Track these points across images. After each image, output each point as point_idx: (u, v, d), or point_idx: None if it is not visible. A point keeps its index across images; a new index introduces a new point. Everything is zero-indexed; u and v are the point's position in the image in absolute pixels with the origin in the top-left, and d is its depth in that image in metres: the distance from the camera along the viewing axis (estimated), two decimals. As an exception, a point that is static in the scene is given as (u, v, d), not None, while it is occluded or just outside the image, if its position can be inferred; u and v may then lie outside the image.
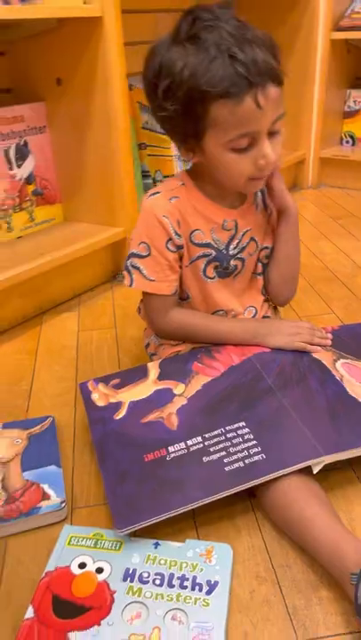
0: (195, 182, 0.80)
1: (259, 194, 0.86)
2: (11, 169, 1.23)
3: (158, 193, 0.80)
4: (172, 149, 1.45)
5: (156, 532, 0.62)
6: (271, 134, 0.72)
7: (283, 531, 0.64)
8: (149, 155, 1.50)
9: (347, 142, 2.01)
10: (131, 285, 0.82)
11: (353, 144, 1.99)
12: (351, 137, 2.00)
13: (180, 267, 0.82)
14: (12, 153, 1.22)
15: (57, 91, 1.22)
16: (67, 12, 1.07)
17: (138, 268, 0.81)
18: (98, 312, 1.20)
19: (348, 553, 0.54)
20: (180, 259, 0.81)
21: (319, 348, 0.83)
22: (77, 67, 1.17)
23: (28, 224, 1.29)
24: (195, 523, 0.65)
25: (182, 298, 0.86)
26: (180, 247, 0.80)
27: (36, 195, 1.29)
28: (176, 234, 0.79)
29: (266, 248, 0.88)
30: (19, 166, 1.24)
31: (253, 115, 0.68)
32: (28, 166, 1.26)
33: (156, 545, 0.60)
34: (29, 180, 1.27)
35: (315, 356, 0.81)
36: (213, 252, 0.82)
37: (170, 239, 0.79)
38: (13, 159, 1.22)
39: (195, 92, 0.67)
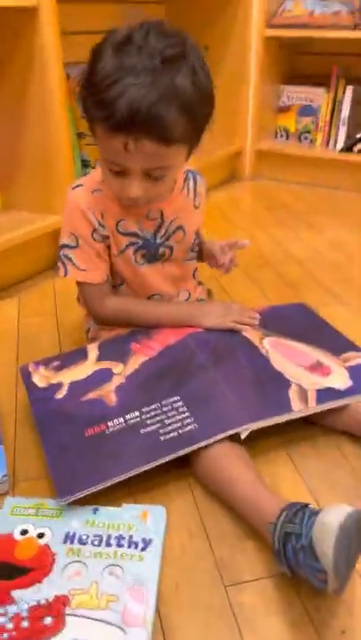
0: None
1: (191, 179, 0.89)
2: None
3: (81, 186, 0.82)
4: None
5: (95, 500, 0.66)
6: (149, 176, 0.71)
7: (213, 493, 0.69)
8: (88, 144, 1.52)
9: (281, 136, 2.09)
10: (66, 275, 0.85)
11: (287, 138, 2.08)
12: (285, 131, 2.08)
13: (110, 255, 0.85)
14: None
15: (-7, 78, 1.22)
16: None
17: (70, 259, 0.84)
18: (38, 299, 1.22)
19: (267, 507, 0.60)
20: (109, 248, 0.84)
21: (248, 327, 0.88)
22: (13, 55, 1.17)
23: (-35, 212, 1.29)
24: (131, 491, 0.69)
25: (116, 284, 0.89)
26: (106, 237, 0.83)
27: (-27, 182, 1.29)
28: (100, 225, 0.81)
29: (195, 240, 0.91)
30: None
31: (121, 153, 0.68)
32: (-35, 154, 1.26)
33: (95, 510, 0.65)
34: (-34, 167, 1.27)
35: (244, 334, 0.87)
36: (140, 241, 0.85)
37: (94, 230, 0.81)
38: None
39: (91, 99, 0.68)
